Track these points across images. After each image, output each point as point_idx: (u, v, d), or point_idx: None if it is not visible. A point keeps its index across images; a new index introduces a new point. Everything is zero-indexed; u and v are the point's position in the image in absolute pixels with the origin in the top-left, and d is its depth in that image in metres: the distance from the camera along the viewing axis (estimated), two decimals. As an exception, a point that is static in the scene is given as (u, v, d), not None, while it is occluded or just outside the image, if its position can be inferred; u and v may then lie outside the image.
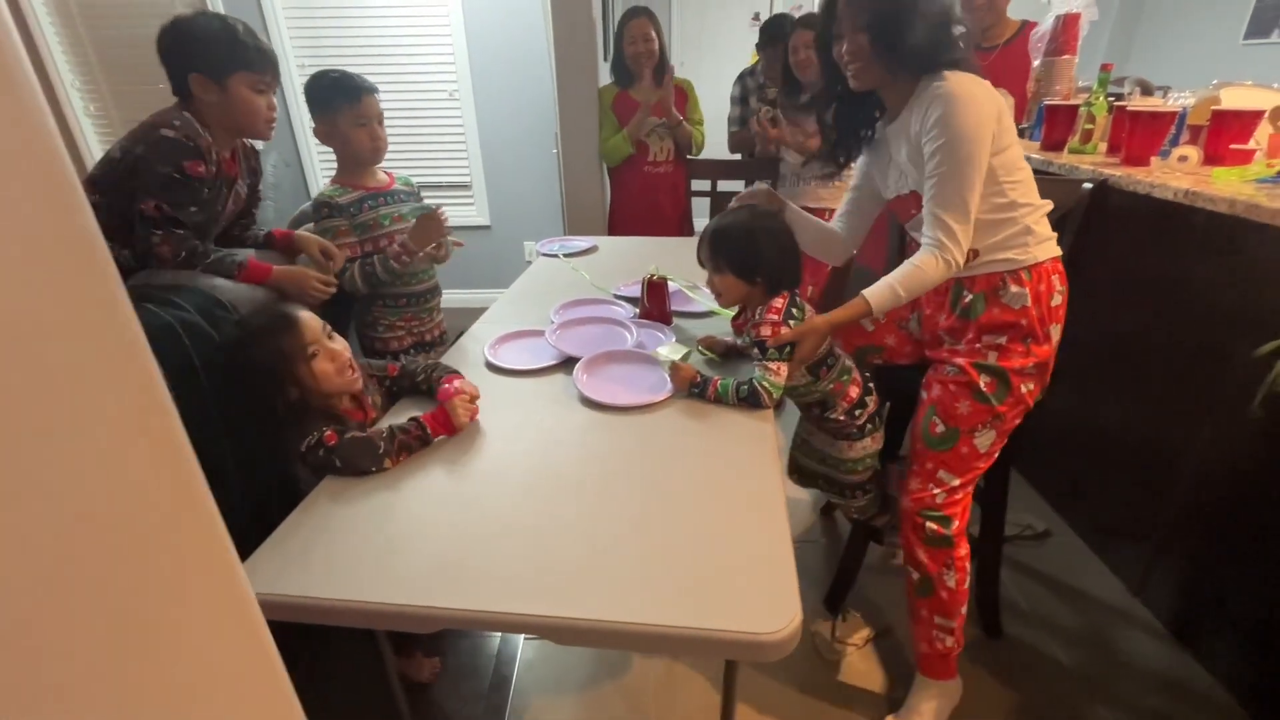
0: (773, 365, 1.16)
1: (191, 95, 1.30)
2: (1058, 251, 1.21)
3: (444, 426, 1.08)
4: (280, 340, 1.10)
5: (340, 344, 1.16)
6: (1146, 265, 1.52)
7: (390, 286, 1.63)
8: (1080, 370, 1.70)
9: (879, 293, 1.17)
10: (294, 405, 1.10)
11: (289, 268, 1.41)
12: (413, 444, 1.04)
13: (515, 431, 1.12)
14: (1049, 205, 1.22)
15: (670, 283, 1.55)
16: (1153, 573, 1.60)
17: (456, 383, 1.15)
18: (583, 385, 1.23)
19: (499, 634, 1.56)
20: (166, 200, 1.25)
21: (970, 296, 1.22)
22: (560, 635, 0.76)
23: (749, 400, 1.15)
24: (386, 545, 0.87)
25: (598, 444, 1.08)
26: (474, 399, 1.14)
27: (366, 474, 0.99)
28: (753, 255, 1.19)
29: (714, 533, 0.87)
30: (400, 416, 1.11)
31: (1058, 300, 1.20)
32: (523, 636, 1.55)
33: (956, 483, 1.23)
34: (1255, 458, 1.29)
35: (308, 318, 1.14)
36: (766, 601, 0.76)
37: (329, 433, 1.01)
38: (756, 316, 1.20)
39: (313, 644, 1.50)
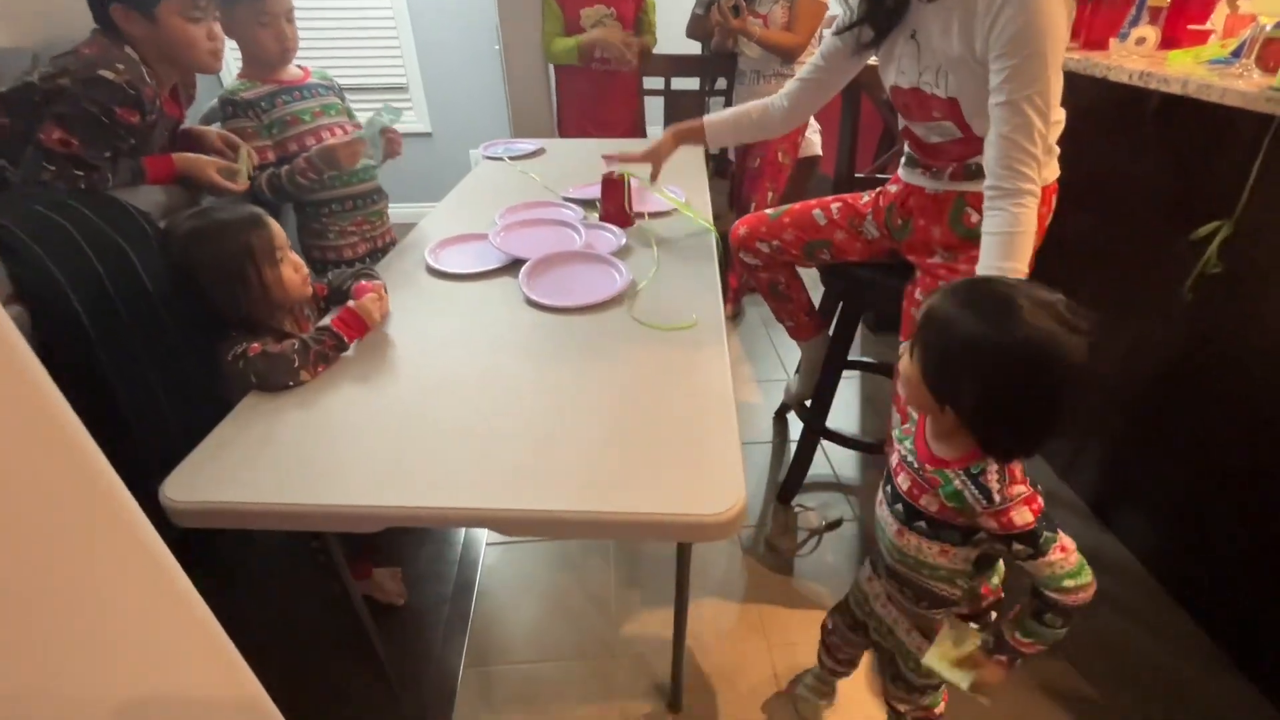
0: (1058, 549, 0.75)
1: (117, 30, 1.13)
2: (1058, 172, 1.16)
3: (356, 328, 1.03)
4: (250, 236, 1.02)
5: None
6: (1099, 156, 1.52)
7: (313, 194, 1.52)
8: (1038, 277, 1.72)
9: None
10: (245, 316, 1.02)
11: (189, 155, 1.27)
12: (329, 353, 0.99)
13: (459, 336, 1.08)
14: (1063, 117, 1.12)
15: (633, 180, 1.47)
16: (1079, 456, 1.70)
17: (371, 285, 1.11)
18: (528, 288, 1.19)
19: (460, 541, 1.59)
20: (80, 137, 1.10)
21: (977, 218, 1.09)
22: (508, 527, 0.76)
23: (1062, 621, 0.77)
24: (330, 449, 0.84)
25: (544, 346, 1.06)
26: (381, 296, 1.09)
27: (284, 388, 0.95)
28: (1036, 401, 0.71)
29: (661, 425, 0.87)
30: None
31: (1048, 221, 1.16)
32: (484, 543, 1.58)
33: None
34: (1178, 345, 1.34)
35: (273, 220, 1.06)
36: (712, 486, 0.77)
37: (254, 344, 0.96)
38: (977, 490, 0.76)
39: (273, 573, 1.50)
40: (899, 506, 0.84)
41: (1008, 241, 0.98)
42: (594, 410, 0.90)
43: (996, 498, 0.74)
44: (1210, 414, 1.29)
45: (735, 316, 2.52)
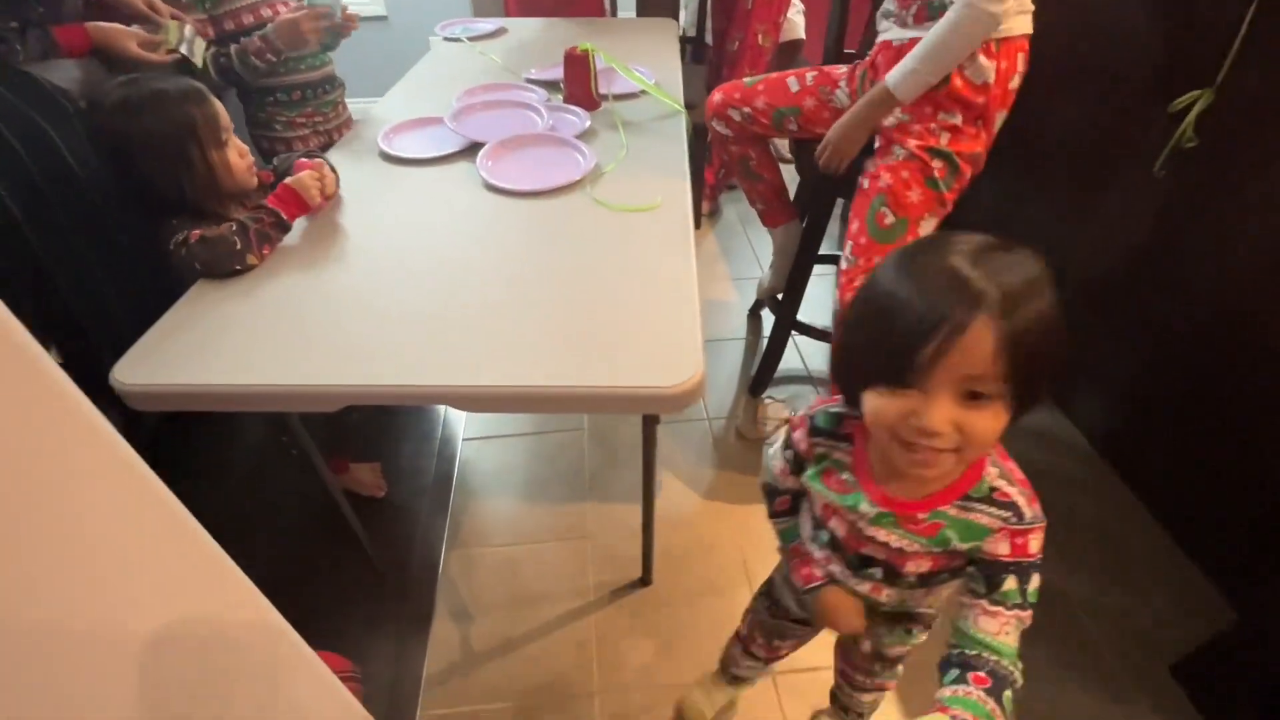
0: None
1: None
2: (1030, 29, 1.09)
3: (295, 205, 0.99)
4: (192, 110, 0.95)
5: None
6: (1078, 17, 1.44)
7: (262, 79, 1.41)
8: (1008, 163, 1.68)
9: (898, 76, 1.06)
10: (187, 200, 0.97)
11: (105, 24, 1.16)
12: (269, 232, 0.95)
13: (414, 221, 1.04)
14: None
15: (598, 58, 1.38)
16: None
17: (311, 163, 1.05)
18: (487, 172, 1.13)
19: (437, 436, 1.61)
20: None
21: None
22: (470, 403, 0.77)
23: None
24: (284, 331, 0.82)
25: (503, 230, 1.02)
26: (323, 177, 1.03)
27: (232, 273, 0.91)
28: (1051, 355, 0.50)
29: (621, 303, 0.86)
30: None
31: (1015, 83, 1.10)
32: (460, 438, 1.60)
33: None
34: (1146, 224, 1.34)
35: (216, 99, 0.99)
36: (670, 359, 0.77)
37: (194, 230, 0.91)
38: (997, 509, 0.57)
39: (254, 472, 1.52)
40: (872, 570, 0.65)
41: (925, 45, 1.00)
42: (555, 290, 0.89)
43: (1027, 513, 0.56)
44: (1172, 296, 1.30)
45: (712, 214, 2.46)
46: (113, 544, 0.36)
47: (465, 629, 1.24)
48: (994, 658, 0.53)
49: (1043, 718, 1.09)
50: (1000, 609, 0.54)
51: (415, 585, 1.30)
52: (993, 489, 0.57)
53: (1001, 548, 0.56)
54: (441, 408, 1.68)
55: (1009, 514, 0.56)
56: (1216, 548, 1.28)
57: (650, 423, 0.95)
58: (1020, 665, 0.53)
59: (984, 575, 0.56)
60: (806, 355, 1.83)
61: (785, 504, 0.74)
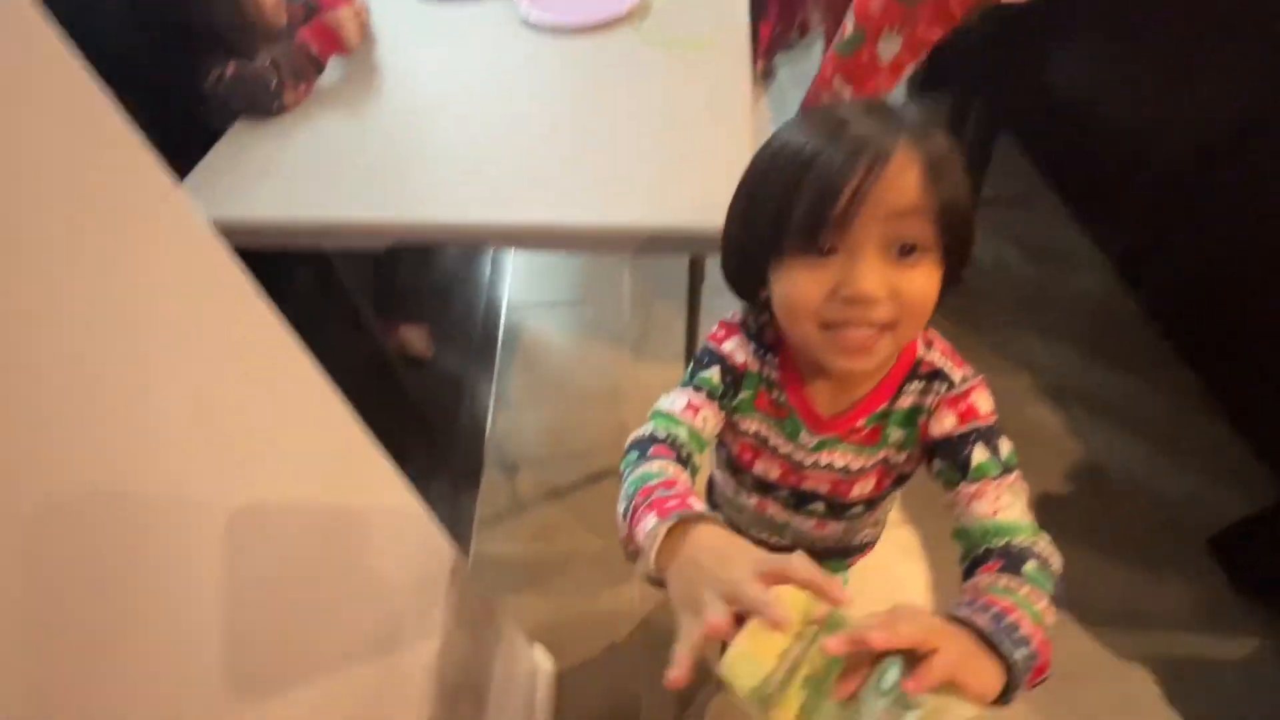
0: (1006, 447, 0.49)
1: None
2: None
3: (329, 42, 0.94)
4: None
5: None
6: None
7: None
8: (1085, 33, 1.50)
9: None
10: (217, 30, 0.93)
11: None
12: (303, 66, 0.91)
13: (455, 61, 0.99)
14: None
15: None
16: (1117, 223, 1.62)
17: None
18: (528, 7, 1.05)
19: (482, 302, 1.63)
20: None
21: None
22: (518, 239, 0.76)
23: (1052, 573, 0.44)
24: (326, 170, 0.81)
25: (547, 68, 0.96)
26: (358, 11, 0.97)
27: (268, 113, 0.89)
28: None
29: (672, 143, 0.82)
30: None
31: None
32: (505, 303, 1.62)
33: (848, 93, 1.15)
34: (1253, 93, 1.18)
35: None
36: (720, 196, 0.73)
37: (231, 66, 0.88)
38: (928, 383, 0.51)
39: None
40: (813, 507, 0.59)
41: None
42: (604, 129, 0.84)
43: (955, 375, 0.50)
44: (1258, 180, 1.18)
45: (766, 75, 2.28)
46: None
47: (513, 479, 1.31)
48: (1003, 541, 0.43)
49: (1071, 592, 1.12)
50: (982, 484, 0.46)
51: (465, 441, 1.37)
52: (920, 362, 0.50)
53: (947, 422, 0.48)
54: (486, 272, 1.68)
55: (939, 383, 0.49)
56: (1271, 427, 1.24)
57: (697, 267, 0.93)
58: (1045, 536, 0.44)
59: (949, 461, 0.48)
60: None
61: (663, 452, 0.48)
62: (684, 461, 0.47)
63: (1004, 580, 0.40)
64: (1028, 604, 0.38)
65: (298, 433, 0.42)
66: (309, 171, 0.81)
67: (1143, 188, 1.52)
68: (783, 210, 0.42)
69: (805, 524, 0.61)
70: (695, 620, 0.33)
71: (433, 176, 0.79)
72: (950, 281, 0.44)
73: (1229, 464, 1.24)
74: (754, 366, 0.53)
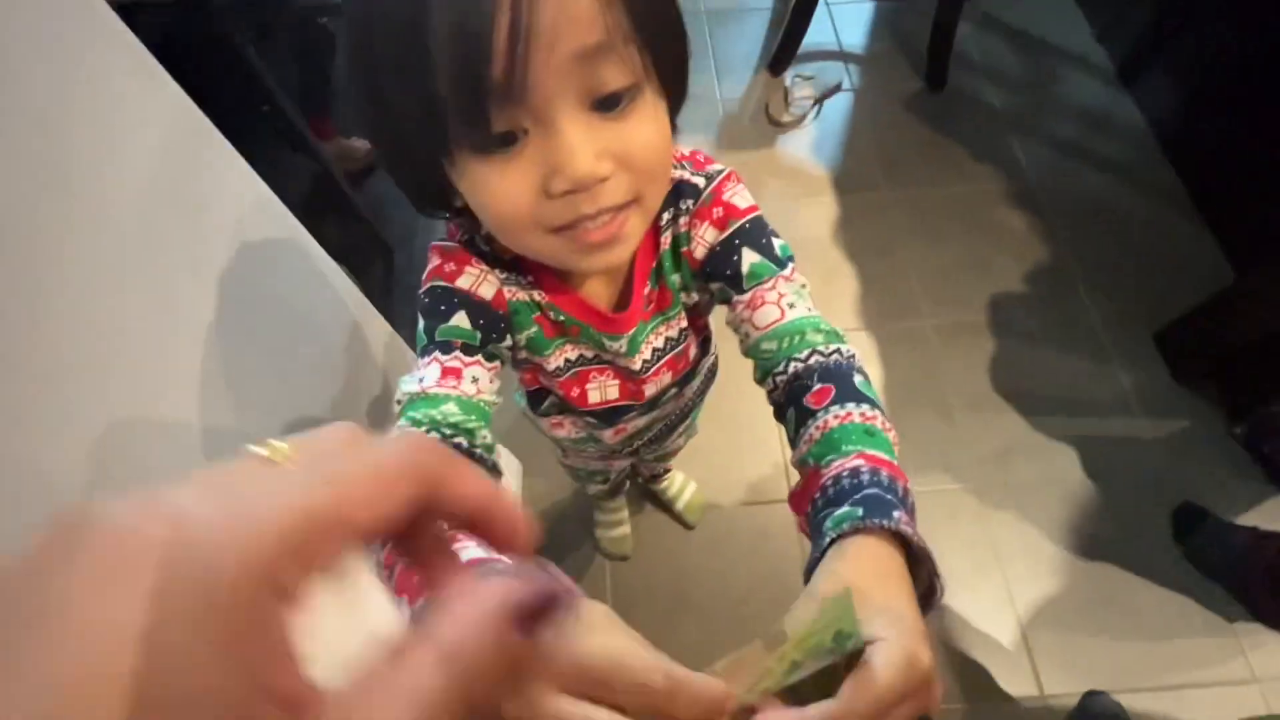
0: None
1: None
2: None
3: None
4: None
5: None
6: None
7: None
8: None
9: None
10: None
11: None
12: None
13: None
14: None
15: None
16: (1121, 16, 1.49)
17: None
18: None
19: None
20: None
21: None
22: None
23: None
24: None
25: None
26: None
27: None
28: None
29: None
30: None
31: None
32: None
33: None
34: None
35: None
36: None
37: None
38: (678, 195, 0.42)
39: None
40: (628, 416, 0.52)
41: None
42: None
43: (699, 179, 0.41)
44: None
45: None
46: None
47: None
48: (805, 350, 0.37)
49: (1016, 382, 1.16)
50: (761, 291, 0.39)
51: (424, 256, 1.34)
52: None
53: (708, 235, 0.40)
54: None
55: (685, 199, 0.41)
56: (1242, 226, 1.23)
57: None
58: (841, 337, 0.38)
59: (721, 277, 0.40)
60: (840, 25, 1.59)
61: None
62: (468, 452, 0.34)
63: (855, 412, 0.33)
64: (888, 444, 0.33)
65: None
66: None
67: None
68: (419, 93, 0.28)
69: (629, 426, 0.53)
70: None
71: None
72: (676, 103, 0.34)
73: (1201, 267, 1.23)
74: (516, 295, 0.40)
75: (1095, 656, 0.94)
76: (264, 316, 0.49)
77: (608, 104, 0.30)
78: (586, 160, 0.29)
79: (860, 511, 0.28)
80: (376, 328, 0.68)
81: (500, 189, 0.31)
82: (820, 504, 0.31)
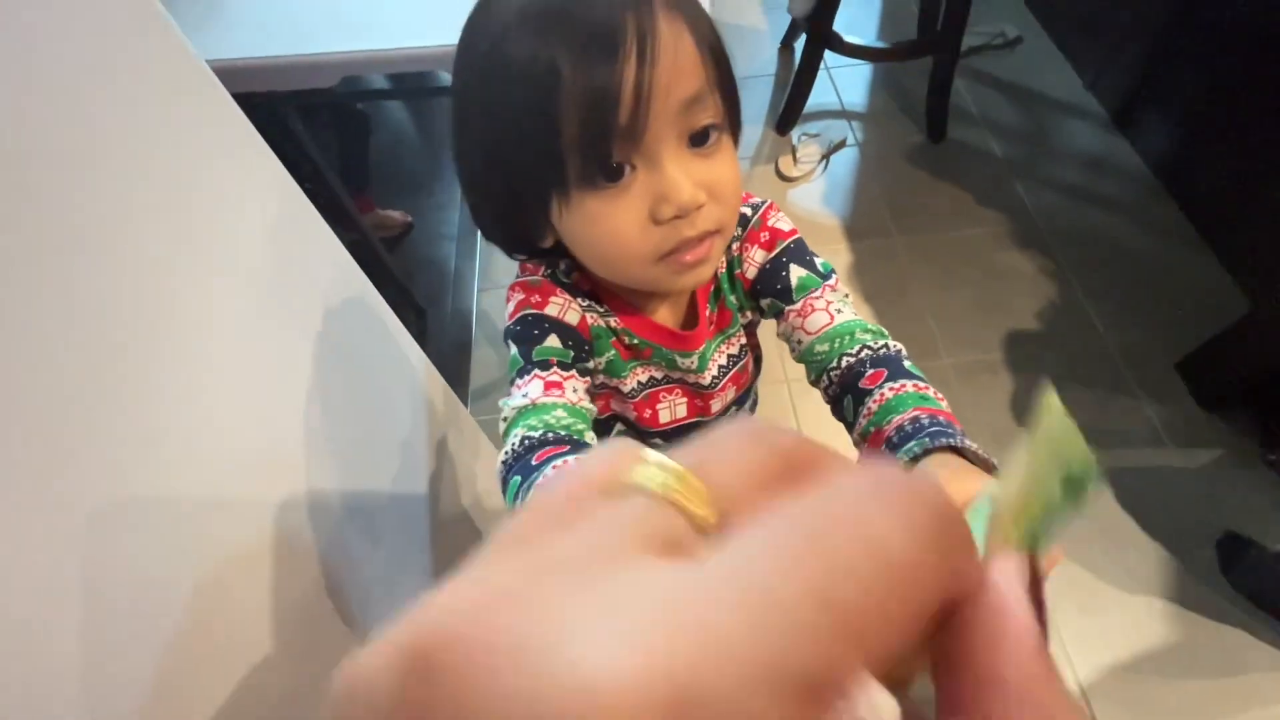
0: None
1: None
2: None
3: None
4: None
5: None
6: None
7: None
8: None
9: None
10: None
11: None
12: None
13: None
14: None
15: None
16: (1109, 66, 1.56)
17: None
18: None
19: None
20: None
21: None
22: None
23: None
24: (272, 5, 0.78)
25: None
26: None
27: None
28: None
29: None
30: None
31: None
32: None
33: None
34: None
35: None
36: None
37: None
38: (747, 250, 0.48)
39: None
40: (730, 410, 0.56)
41: None
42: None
43: (746, 210, 0.46)
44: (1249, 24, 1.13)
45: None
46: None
47: (503, 353, 1.33)
48: (855, 346, 0.41)
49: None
50: (810, 300, 0.43)
51: (454, 317, 1.39)
52: None
53: (757, 255, 0.46)
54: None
55: (739, 227, 0.46)
56: (1252, 253, 1.26)
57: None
58: (887, 335, 0.43)
59: (772, 292, 0.45)
60: (841, 85, 1.68)
61: (554, 451, 0.38)
62: (582, 446, 0.38)
63: (908, 384, 0.38)
64: (942, 406, 0.37)
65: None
66: (244, 9, 0.78)
67: (1131, 27, 1.46)
68: (542, 144, 0.33)
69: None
70: None
71: (383, 3, 0.76)
72: (735, 145, 0.40)
73: (1213, 296, 1.26)
74: (596, 321, 0.44)
75: (1154, 696, 0.92)
76: (340, 366, 0.52)
77: (699, 139, 0.36)
78: (689, 189, 0.35)
79: (927, 440, 0.33)
80: (434, 381, 0.71)
81: (613, 218, 0.36)
82: (884, 452, 0.36)
